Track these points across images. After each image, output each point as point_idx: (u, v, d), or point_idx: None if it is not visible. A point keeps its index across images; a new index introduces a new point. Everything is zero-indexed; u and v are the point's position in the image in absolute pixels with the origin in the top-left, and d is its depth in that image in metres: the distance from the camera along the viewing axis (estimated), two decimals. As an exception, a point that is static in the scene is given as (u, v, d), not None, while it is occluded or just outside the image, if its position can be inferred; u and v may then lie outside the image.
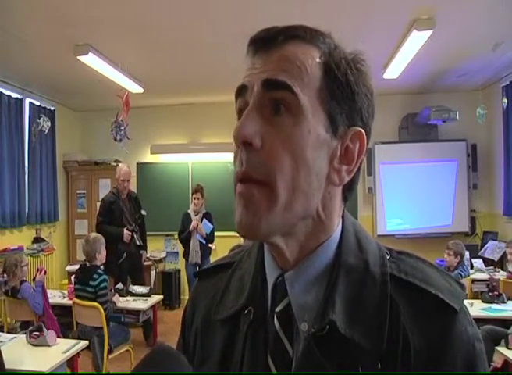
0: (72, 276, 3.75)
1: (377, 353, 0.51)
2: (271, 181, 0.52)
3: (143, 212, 4.72)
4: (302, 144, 0.52)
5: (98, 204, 6.24)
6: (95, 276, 3.33)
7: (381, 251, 0.59)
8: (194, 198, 4.84)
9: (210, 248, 4.94)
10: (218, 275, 0.69)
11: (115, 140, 4.82)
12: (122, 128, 4.68)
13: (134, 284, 4.30)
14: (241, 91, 0.57)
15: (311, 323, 0.54)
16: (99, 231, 4.45)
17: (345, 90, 0.55)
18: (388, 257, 0.58)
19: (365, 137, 0.58)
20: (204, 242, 4.79)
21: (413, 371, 0.51)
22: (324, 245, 0.57)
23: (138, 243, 4.55)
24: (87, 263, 3.48)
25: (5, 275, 3.43)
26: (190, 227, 4.73)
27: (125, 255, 4.49)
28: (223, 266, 0.70)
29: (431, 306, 0.53)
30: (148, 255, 5.76)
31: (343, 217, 0.60)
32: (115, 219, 4.48)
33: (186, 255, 4.84)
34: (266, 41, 0.56)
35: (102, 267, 3.53)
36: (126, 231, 4.43)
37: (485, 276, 4.46)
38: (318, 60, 0.55)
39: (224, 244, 4.92)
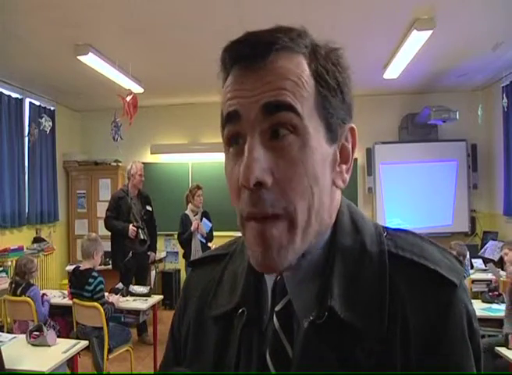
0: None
1: (376, 333, 0.50)
2: (290, 212, 0.50)
3: (148, 208, 4.73)
4: (312, 163, 0.51)
5: (98, 204, 6.29)
6: (90, 280, 3.28)
7: (377, 229, 0.59)
8: (198, 196, 4.80)
9: (209, 247, 4.93)
10: (211, 265, 0.68)
11: (114, 139, 4.84)
12: (121, 127, 4.71)
13: (137, 284, 4.31)
14: (232, 117, 0.52)
15: (311, 314, 0.53)
16: (106, 225, 4.57)
17: (337, 93, 0.53)
18: (385, 234, 0.58)
19: (356, 130, 0.57)
20: (204, 241, 4.78)
21: (412, 348, 0.50)
22: (320, 240, 0.56)
23: (142, 237, 4.57)
24: (80, 266, 3.42)
25: (16, 276, 3.45)
26: (192, 228, 4.71)
27: (131, 254, 4.51)
28: (217, 257, 0.69)
29: (429, 281, 0.53)
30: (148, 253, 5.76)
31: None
32: (122, 215, 4.52)
33: (187, 255, 4.81)
34: (253, 59, 0.51)
35: (96, 269, 3.47)
36: (131, 227, 4.47)
37: (485, 276, 4.46)
38: (307, 69, 0.52)
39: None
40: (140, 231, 4.54)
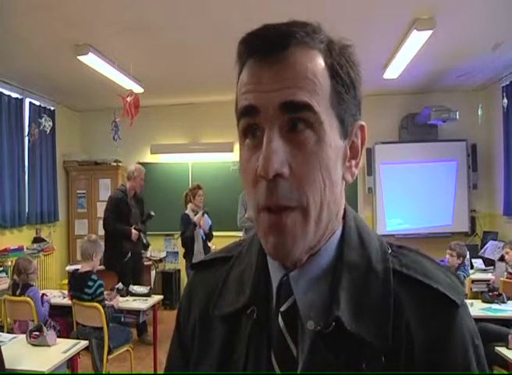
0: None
1: (382, 348, 0.51)
2: (304, 204, 0.51)
3: (152, 213, 4.74)
4: (326, 159, 0.52)
5: (98, 204, 6.28)
6: (90, 283, 3.24)
7: (382, 246, 0.60)
8: (199, 195, 4.80)
9: (209, 248, 4.94)
10: (214, 268, 0.68)
11: (114, 139, 4.86)
12: (120, 127, 4.73)
13: (134, 284, 4.30)
14: (249, 111, 0.52)
15: (317, 320, 0.54)
16: (107, 227, 4.46)
17: (349, 89, 0.55)
18: (389, 251, 0.59)
19: (365, 127, 0.58)
20: (205, 237, 4.80)
21: (416, 365, 0.51)
22: (327, 243, 0.57)
23: (145, 242, 4.59)
24: (79, 269, 3.39)
25: (15, 276, 3.43)
26: (195, 219, 4.68)
27: (129, 254, 4.49)
28: (220, 260, 0.69)
29: (433, 300, 0.54)
30: (148, 255, 5.78)
31: (344, 210, 0.60)
32: (123, 217, 4.45)
33: (188, 256, 4.80)
34: (270, 53, 0.51)
35: (95, 271, 3.42)
36: (134, 230, 4.44)
37: (485, 276, 4.46)
38: (323, 65, 0.53)
39: (224, 245, 4.88)
40: (141, 235, 4.53)
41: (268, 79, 0.51)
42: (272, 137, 0.51)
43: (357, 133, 0.58)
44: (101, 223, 6.06)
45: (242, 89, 0.54)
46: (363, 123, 0.58)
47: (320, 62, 0.53)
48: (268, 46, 0.51)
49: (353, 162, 0.58)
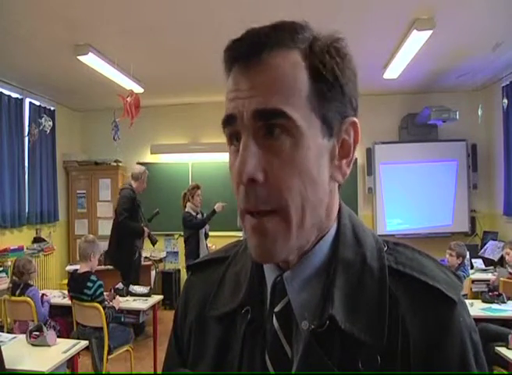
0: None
1: (377, 347, 0.51)
2: (282, 208, 0.51)
3: (158, 211, 4.87)
4: (305, 162, 0.51)
5: (98, 204, 6.28)
6: (89, 284, 3.22)
7: (378, 243, 0.59)
8: (198, 195, 4.81)
9: (208, 247, 4.95)
10: (211, 269, 0.68)
11: (114, 139, 4.87)
12: (119, 127, 4.76)
13: (134, 284, 4.31)
14: (229, 120, 0.53)
15: (311, 320, 0.54)
16: (124, 226, 4.45)
17: (334, 86, 0.52)
18: (385, 249, 0.58)
19: (358, 124, 0.56)
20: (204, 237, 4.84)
21: (412, 363, 0.51)
22: (321, 242, 0.57)
23: (153, 239, 4.68)
24: (78, 269, 3.39)
25: (14, 277, 3.43)
26: (217, 207, 4.76)
27: (137, 253, 4.55)
28: (216, 260, 0.69)
29: (429, 297, 0.53)
30: (148, 255, 5.80)
31: (339, 209, 0.59)
32: (134, 216, 4.52)
33: (191, 255, 4.79)
34: (248, 59, 0.51)
35: (94, 272, 3.40)
36: (146, 228, 4.54)
37: (485, 276, 4.46)
38: (302, 64, 0.52)
39: (224, 245, 4.86)
40: (150, 232, 4.63)
41: (244, 85, 0.52)
42: (247, 143, 0.51)
43: (348, 130, 0.55)
44: (101, 222, 6.12)
45: (227, 96, 0.55)
46: (355, 119, 0.55)
47: (298, 62, 0.52)
48: (246, 53, 0.52)
49: (344, 161, 0.56)
